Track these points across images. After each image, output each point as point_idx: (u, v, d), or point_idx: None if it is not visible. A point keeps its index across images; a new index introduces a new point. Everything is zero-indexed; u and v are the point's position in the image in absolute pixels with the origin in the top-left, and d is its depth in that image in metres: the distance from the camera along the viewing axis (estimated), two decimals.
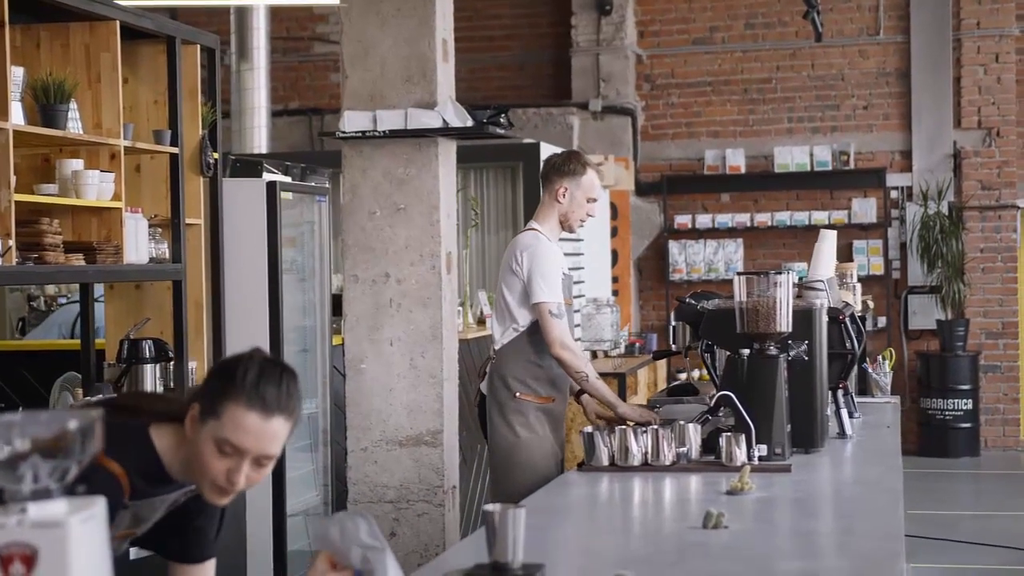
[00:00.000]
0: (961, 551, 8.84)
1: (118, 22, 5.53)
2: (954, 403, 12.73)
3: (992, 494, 11.54)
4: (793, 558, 3.25)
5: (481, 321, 8.58)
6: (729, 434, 4.41)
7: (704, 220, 13.42)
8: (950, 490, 11.57)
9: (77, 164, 5.35)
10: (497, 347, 5.55)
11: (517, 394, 5.47)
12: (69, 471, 1.90)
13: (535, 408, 5.48)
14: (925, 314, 13.09)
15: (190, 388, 2.86)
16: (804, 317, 4.77)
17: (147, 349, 5.72)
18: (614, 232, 12.80)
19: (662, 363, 11.34)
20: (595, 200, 5.58)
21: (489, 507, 2.84)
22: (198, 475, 2.82)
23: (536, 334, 5.40)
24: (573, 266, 10.47)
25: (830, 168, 13.23)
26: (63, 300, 8.85)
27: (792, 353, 4.69)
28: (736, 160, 13.39)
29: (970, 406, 12.76)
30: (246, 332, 6.50)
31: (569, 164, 5.56)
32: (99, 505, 1.90)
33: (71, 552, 1.85)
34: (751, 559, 3.17)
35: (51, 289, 9.00)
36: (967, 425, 12.77)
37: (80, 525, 1.87)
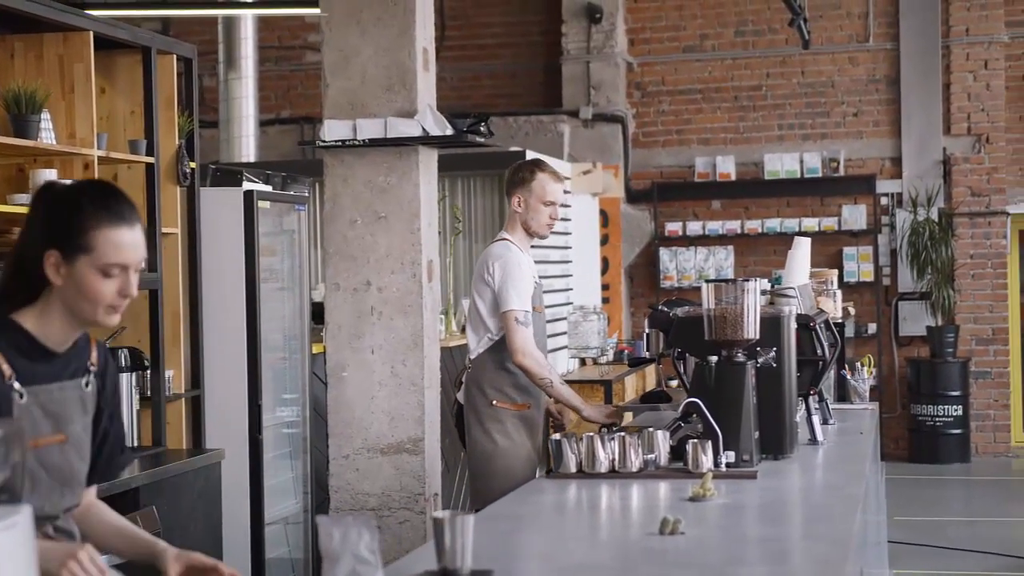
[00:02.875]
0: (950, 557, 8.85)
1: (91, 33, 5.55)
2: (944, 409, 12.73)
3: (982, 500, 11.54)
4: (744, 564, 3.26)
5: (464, 329, 8.59)
6: (695, 441, 4.42)
7: (695, 227, 13.42)
8: (940, 496, 11.57)
9: (50, 174, 5.36)
10: (472, 356, 5.58)
11: (494, 402, 5.50)
12: None
13: (512, 415, 5.50)
14: (915, 320, 13.09)
15: (19, 243, 2.95)
16: (772, 324, 4.77)
17: (123, 358, 5.74)
18: (605, 240, 12.82)
19: (651, 370, 11.34)
20: (553, 203, 5.59)
21: (437, 514, 2.87)
22: (88, 309, 2.88)
23: None
24: (561, 273, 10.52)
25: (820, 175, 13.24)
26: None
27: (760, 360, 4.70)
28: (726, 167, 13.41)
29: (960, 412, 12.75)
30: (224, 340, 6.51)
31: (518, 173, 5.61)
32: (23, 514, 1.91)
33: None
34: (702, 565, 3.19)
35: None
36: (957, 431, 12.77)
37: (0, 534, 1.87)
